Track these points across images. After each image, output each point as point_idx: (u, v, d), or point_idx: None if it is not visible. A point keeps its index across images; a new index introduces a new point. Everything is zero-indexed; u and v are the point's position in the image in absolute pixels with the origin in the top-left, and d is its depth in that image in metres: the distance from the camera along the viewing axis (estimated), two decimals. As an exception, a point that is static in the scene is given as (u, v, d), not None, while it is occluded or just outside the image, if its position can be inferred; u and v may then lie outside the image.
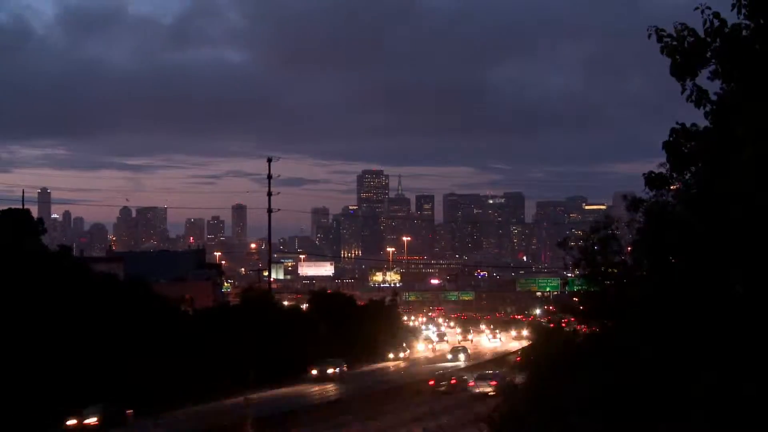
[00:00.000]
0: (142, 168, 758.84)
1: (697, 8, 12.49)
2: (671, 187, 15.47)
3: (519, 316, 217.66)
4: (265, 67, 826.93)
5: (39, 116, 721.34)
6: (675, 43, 12.56)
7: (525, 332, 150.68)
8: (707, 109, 12.81)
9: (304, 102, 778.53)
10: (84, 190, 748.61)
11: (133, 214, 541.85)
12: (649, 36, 12.73)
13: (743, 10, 12.34)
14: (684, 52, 12.51)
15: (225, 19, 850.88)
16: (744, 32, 12.42)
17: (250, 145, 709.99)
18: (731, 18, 12.51)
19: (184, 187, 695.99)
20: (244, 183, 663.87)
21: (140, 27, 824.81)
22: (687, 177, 14.61)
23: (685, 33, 12.52)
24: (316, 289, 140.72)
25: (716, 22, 12.39)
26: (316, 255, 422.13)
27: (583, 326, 27.96)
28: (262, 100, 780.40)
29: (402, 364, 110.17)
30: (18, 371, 55.15)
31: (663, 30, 12.73)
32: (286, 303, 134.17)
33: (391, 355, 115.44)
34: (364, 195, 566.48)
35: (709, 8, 12.42)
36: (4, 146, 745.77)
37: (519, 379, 38.31)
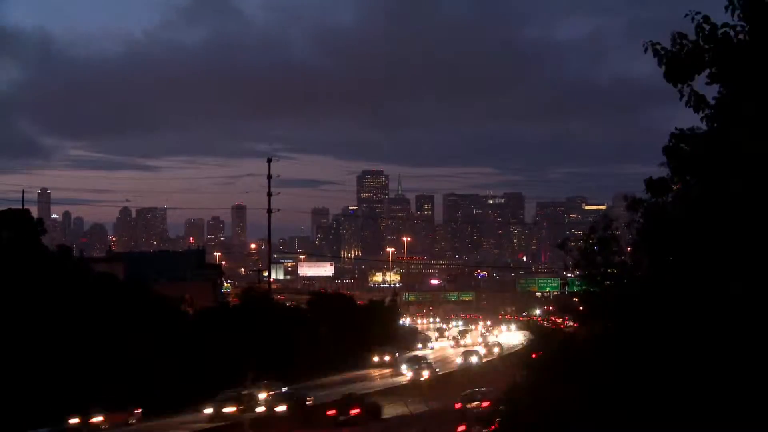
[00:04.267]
0: (160, 169, 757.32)
1: (686, 15, 12.53)
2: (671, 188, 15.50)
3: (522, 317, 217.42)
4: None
5: (59, 117, 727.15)
6: (671, 54, 12.59)
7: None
8: (706, 113, 12.84)
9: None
10: (100, 191, 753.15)
11: (133, 215, 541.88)
12: (645, 50, 12.80)
13: (737, 12, 12.35)
14: (680, 60, 12.55)
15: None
16: (734, 33, 12.42)
17: (277, 147, 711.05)
18: (720, 20, 12.51)
19: (198, 188, 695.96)
20: (261, 183, 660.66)
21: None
22: (687, 179, 14.65)
23: (680, 41, 12.55)
24: (315, 290, 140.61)
25: (707, 27, 12.41)
26: (316, 255, 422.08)
27: (578, 325, 27.96)
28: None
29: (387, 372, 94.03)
30: (17, 371, 55.18)
31: (658, 43, 12.82)
32: (288, 304, 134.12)
33: (376, 358, 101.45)
34: (364, 195, 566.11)
35: (699, 13, 12.45)
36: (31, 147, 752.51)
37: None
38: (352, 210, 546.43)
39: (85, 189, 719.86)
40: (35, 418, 52.83)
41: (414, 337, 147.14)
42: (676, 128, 13.41)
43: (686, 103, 12.79)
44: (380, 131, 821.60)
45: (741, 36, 12.43)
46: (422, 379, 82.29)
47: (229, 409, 59.54)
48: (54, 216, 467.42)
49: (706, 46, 12.28)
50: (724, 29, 12.39)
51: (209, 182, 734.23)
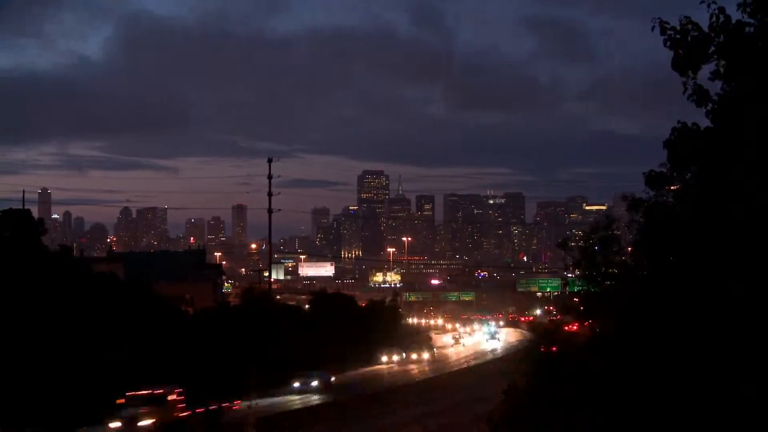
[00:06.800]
0: (171, 168, 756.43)
1: (703, 1, 12.40)
2: (671, 187, 15.45)
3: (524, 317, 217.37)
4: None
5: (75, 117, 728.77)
6: (678, 36, 12.48)
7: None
8: (708, 108, 12.77)
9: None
10: (113, 191, 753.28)
11: (134, 215, 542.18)
12: (653, 28, 12.66)
13: (747, 8, 12.30)
14: (687, 46, 12.44)
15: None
16: (747, 29, 12.38)
17: (296, 147, 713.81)
18: (736, 16, 12.47)
19: (210, 188, 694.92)
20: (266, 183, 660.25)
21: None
22: (687, 176, 14.59)
23: (689, 27, 12.44)
24: (316, 290, 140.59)
25: (722, 18, 12.32)
26: (316, 255, 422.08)
27: (578, 326, 27.93)
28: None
29: (396, 368, 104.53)
30: (18, 371, 55.16)
31: (667, 22, 12.66)
32: (291, 303, 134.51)
33: (384, 358, 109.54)
34: (364, 195, 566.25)
35: (715, 2, 12.36)
36: (41, 148, 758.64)
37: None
38: (353, 210, 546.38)
39: (96, 189, 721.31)
40: (35, 419, 52.80)
41: (419, 336, 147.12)
42: (678, 122, 13.30)
43: (689, 97, 12.71)
44: (396, 131, 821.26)
45: (749, 30, 12.37)
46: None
47: None
48: (54, 216, 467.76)
49: (713, 35, 12.20)
50: (737, 21, 12.34)
51: (224, 183, 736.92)
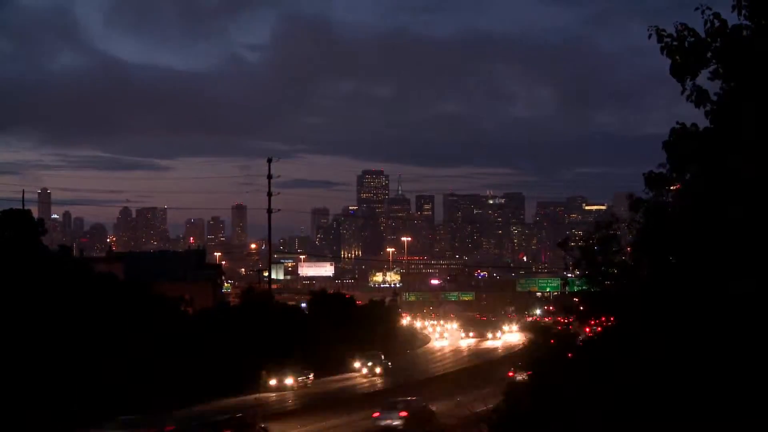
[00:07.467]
0: (176, 169, 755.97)
1: (697, 8, 12.48)
2: (671, 188, 15.49)
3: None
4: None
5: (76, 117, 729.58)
6: (675, 43, 12.55)
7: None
8: (707, 108, 12.81)
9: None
10: (114, 191, 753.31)
11: (134, 215, 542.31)
12: (650, 36, 12.74)
13: (743, 11, 12.35)
14: (684, 53, 12.51)
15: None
16: (745, 32, 12.43)
17: (300, 148, 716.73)
18: (731, 19, 12.53)
19: (213, 188, 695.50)
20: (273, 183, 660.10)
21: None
22: (687, 177, 14.63)
23: (686, 33, 12.51)
24: (316, 290, 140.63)
25: (717, 23, 12.39)
26: (316, 255, 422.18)
27: (583, 326, 27.96)
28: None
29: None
30: (18, 372, 55.17)
31: (663, 30, 12.74)
32: (291, 303, 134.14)
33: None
34: (364, 195, 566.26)
35: (710, 8, 12.44)
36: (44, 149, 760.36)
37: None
38: (353, 210, 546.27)
39: (96, 189, 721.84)
40: (34, 419, 52.80)
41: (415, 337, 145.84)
42: (677, 123, 13.35)
43: (687, 97, 12.76)
44: (400, 131, 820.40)
45: (746, 33, 12.42)
46: None
47: None
48: (54, 216, 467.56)
49: (710, 40, 12.25)
50: (733, 26, 12.39)
51: (224, 182, 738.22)
